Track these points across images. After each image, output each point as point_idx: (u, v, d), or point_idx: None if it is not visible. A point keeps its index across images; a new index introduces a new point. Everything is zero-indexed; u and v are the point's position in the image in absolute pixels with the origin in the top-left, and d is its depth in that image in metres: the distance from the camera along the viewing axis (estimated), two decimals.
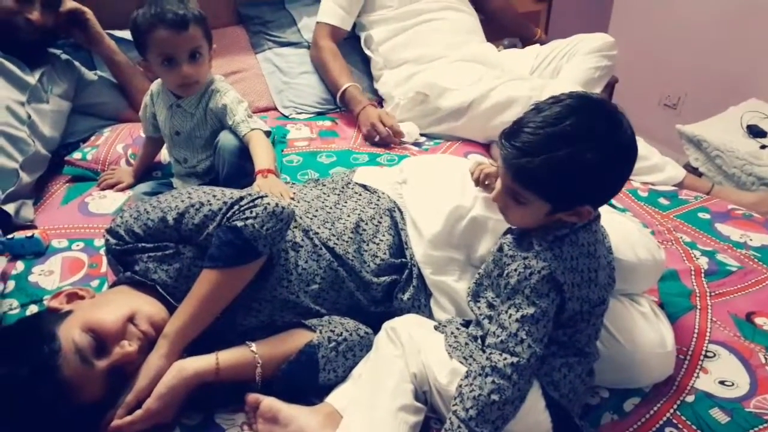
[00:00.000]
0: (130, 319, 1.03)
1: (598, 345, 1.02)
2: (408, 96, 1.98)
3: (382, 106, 2.12)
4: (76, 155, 1.74)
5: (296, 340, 1.07)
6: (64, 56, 1.84)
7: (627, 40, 2.78)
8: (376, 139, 1.89)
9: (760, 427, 1.02)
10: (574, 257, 0.93)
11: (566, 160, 0.86)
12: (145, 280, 1.11)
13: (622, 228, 1.15)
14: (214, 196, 1.12)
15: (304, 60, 2.15)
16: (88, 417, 1.00)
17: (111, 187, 1.66)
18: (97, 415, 1.01)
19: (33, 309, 1.27)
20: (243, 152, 1.39)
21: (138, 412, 0.98)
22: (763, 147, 2.12)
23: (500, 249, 1.00)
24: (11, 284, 1.34)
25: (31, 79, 1.67)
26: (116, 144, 1.75)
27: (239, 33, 2.20)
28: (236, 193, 1.12)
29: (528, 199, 0.92)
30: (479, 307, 1.02)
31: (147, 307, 1.07)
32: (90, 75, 1.87)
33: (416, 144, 1.92)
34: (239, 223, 1.04)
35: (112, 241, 1.15)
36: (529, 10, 2.79)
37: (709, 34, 2.64)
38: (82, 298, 1.12)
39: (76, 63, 1.85)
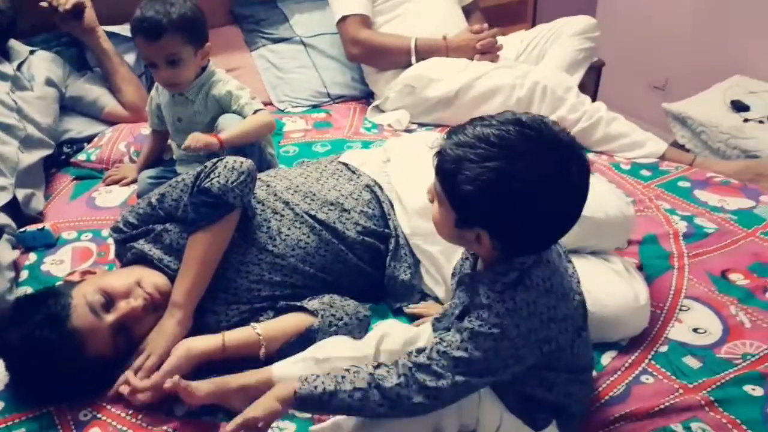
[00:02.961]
0: (137, 283, 1.14)
1: None
2: (396, 89, 2.04)
3: (372, 99, 2.20)
4: (81, 157, 1.83)
5: (298, 323, 1.14)
6: (47, 53, 1.90)
7: (614, 24, 2.84)
8: (479, 45, 1.99)
9: (730, 371, 1.08)
10: (530, 302, 0.84)
11: (474, 163, 0.79)
12: (145, 255, 1.22)
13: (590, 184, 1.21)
14: (188, 174, 1.25)
15: (296, 55, 2.23)
16: (97, 377, 1.09)
17: (116, 182, 1.74)
18: (106, 377, 1.10)
19: None
20: None
21: (146, 382, 1.06)
22: (746, 121, 2.17)
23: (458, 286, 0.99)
24: (25, 273, 1.42)
25: (9, 69, 1.75)
26: (119, 143, 1.83)
27: (234, 32, 2.28)
28: (200, 167, 1.22)
29: (440, 197, 0.86)
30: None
31: (152, 276, 1.18)
32: (78, 76, 1.95)
33: (408, 131, 1.99)
34: (206, 184, 1.16)
35: (115, 235, 1.31)
36: (514, 0, 2.86)
37: (695, 14, 2.69)
38: (94, 274, 1.23)
39: (63, 61, 1.92)
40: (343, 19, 2.07)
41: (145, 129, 1.80)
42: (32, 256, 1.47)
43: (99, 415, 1.07)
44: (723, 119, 2.19)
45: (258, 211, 1.25)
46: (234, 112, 1.50)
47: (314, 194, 1.30)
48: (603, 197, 1.23)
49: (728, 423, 1.00)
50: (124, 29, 2.06)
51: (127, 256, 1.26)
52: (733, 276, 1.30)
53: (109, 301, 1.11)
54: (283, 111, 2.14)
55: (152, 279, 1.17)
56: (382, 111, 2.11)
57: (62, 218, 1.60)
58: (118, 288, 1.12)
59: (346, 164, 1.41)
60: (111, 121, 1.93)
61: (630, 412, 1.02)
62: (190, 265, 1.15)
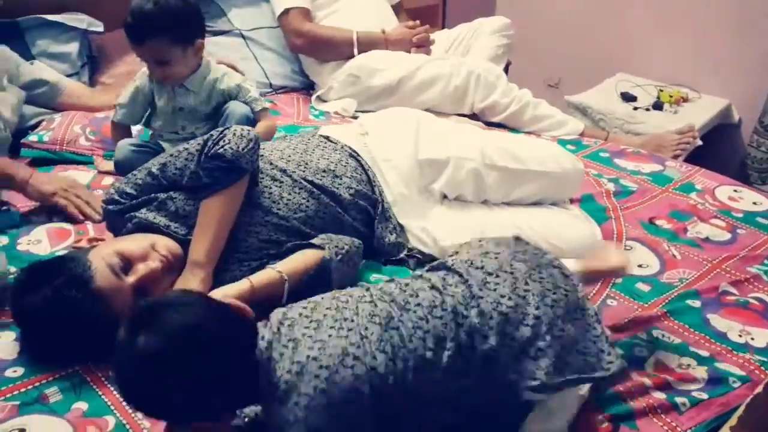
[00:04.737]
0: (152, 247, 1.18)
1: (547, 245, 1.28)
2: (340, 79, 2.18)
3: (313, 89, 2.31)
4: (32, 138, 1.78)
5: (311, 257, 1.23)
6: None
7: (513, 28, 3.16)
8: (415, 39, 2.20)
9: (672, 291, 1.33)
10: None
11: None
12: (151, 223, 1.25)
13: (544, 146, 1.45)
14: (190, 143, 1.30)
15: (237, 47, 2.28)
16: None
17: None
18: None
19: None
20: (250, 121, 1.53)
21: None
22: (635, 108, 2.54)
23: None
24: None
25: None
26: (73, 125, 1.80)
27: None
28: (206, 136, 1.28)
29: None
30: None
31: (164, 240, 1.23)
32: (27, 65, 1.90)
33: (354, 118, 2.12)
34: (219, 150, 1.22)
35: (111, 207, 1.31)
36: (427, 4, 3.09)
37: (580, 21, 3.07)
38: (102, 241, 1.26)
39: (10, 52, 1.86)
40: (286, 12, 2.17)
41: (100, 113, 1.80)
42: (3, 239, 1.44)
43: None
44: (617, 108, 2.56)
45: (258, 178, 1.33)
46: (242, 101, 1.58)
47: (306, 163, 1.40)
48: (556, 154, 1.47)
49: (679, 328, 1.23)
50: (66, 18, 2.03)
51: (128, 226, 1.28)
52: (658, 222, 1.57)
53: (127, 264, 1.14)
54: None
55: (165, 243, 1.21)
56: (324, 101, 2.24)
57: (25, 202, 1.56)
58: (134, 251, 1.16)
59: (327, 137, 1.52)
60: (65, 107, 1.88)
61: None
62: (208, 227, 1.21)
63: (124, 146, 1.57)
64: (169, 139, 1.61)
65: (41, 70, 1.89)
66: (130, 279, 1.13)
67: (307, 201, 1.33)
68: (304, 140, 1.49)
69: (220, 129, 1.28)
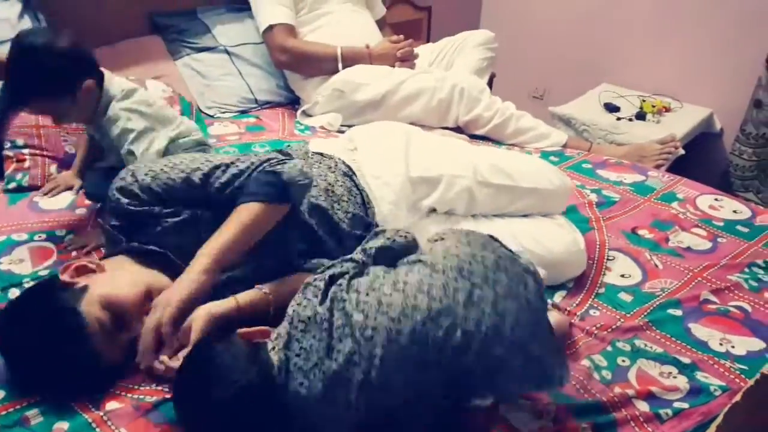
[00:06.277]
0: (147, 296, 1.12)
1: (530, 254, 1.30)
2: (325, 94, 2.19)
3: (298, 104, 2.32)
4: (11, 185, 1.71)
5: (299, 279, 1.15)
6: None
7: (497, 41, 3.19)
8: (399, 53, 2.21)
9: (654, 300, 1.35)
10: None
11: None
12: (156, 248, 1.17)
13: (534, 162, 1.45)
14: (237, 159, 1.22)
15: (221, 64, 2.29)
16: (107, 376, 1.10)
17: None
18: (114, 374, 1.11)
19: (15, 292, 1.32)
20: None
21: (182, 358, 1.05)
22: (618, 119, 2.57)
23: None
24: None
25: None
26: (48, 166, 1.76)
27: (156, 41, 2.29)
28: (269, 155, 1.22)
29: None
30: None
31: (159, 282, 1.15)
32: None
33: (340, 132, 2.13)
34: (279, 168, 1.16)
35: (125, 200, 1.18)
36: (412, 18, 3.12)
37: (563, 33, 3.11)
38: (92, 271, 1.15)
39: None
40: (270, 28, 2.18)
41: (69, 146, 1.80)
42: None
43: (111, 390, 1.09)
44: (600, 118, 2.58)
45: (291, 221, 1.25)
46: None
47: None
48: (546, 171, 1.47)
49: (661, 338, 1.24)
50: None
51: (128, 244, 1.20)
52: (640, 231, 1.58)
53: (119, 319, 1.08)
54: (212, 116, 2.20)
55: (160, 286, 1.14)
56: (310, 116, 2.25)
57: (6, 222, 1.55)
58: (129, 306, 1.09)
59: (321, 153, 1.49)
60: None
61: (588, 331, 1.25)
62: (233, 227, 1.13)
63: (93, 174, 1.55)
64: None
65: None
66: (125, 336, 1.09)
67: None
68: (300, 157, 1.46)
69: (282, 157, 1.22)
